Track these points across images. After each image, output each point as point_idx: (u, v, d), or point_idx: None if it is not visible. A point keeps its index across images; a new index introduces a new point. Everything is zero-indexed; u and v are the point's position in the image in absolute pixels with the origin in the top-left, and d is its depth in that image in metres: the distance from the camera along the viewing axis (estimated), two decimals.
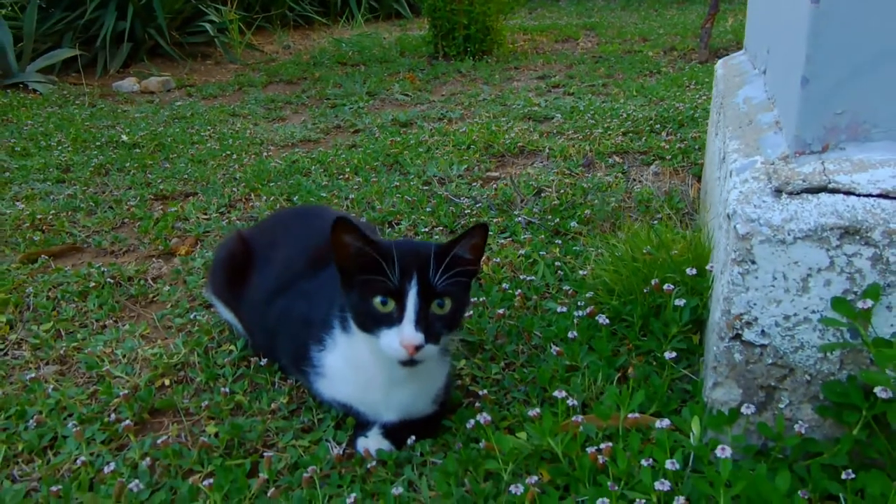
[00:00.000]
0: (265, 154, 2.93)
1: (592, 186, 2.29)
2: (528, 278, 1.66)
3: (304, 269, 1.33)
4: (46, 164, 2.84)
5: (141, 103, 4.25)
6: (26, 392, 1.31)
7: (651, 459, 0.98)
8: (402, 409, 1.16)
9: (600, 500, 0.92)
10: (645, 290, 1.36)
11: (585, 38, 6.28)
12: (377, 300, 1.04)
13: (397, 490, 1.02)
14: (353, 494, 1.01)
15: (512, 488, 0.97)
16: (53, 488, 1.03)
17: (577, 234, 1.97)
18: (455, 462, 1.07)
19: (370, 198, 2.28)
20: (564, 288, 1.63)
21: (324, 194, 2.33)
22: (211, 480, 1.04)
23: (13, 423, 1.23)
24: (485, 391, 1.25)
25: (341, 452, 1.13)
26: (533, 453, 1.08)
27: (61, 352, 1.47)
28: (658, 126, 2.91)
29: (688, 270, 1.28)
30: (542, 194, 2.26)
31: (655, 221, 2.04)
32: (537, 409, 1.10)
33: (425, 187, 2.39)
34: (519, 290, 1.60)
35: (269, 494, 1.04)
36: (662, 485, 0.91)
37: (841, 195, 0.91)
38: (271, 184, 2.49)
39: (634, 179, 2.42)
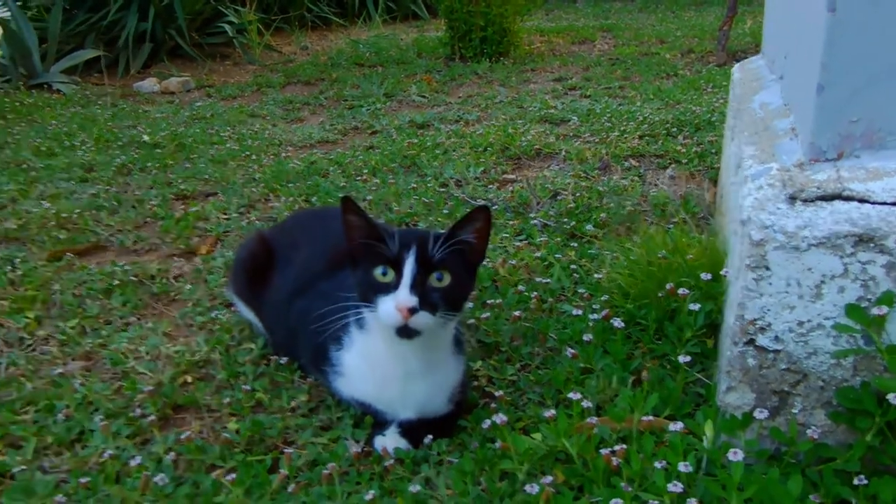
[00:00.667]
0: (284, 155, 2.96)
1: (608, 190, 2.31)
2: (544, 281, 1.68)
3: (324, 270, 1.36)
4: (71, 163, 2.89)
5: (161, 103, 4.30)
6: (54, 387, 1.35)
7: (664, 462, 0.99)
8: (419, 407, 1.19)
9: (614, 500, 0.94)
10: (660, 294, 1.37)
11: (602, 39, 6.28)
12: (377, 270, 1.09)
13: (415, 488, 1.04)
14: (372, 491, 1.04)
15: (527, 488, 0.99)
16: (82, 480, 1.06)
17: (592, 237, 1.98)
18: (471, 461, 1.10)
19: (388, 199, 2.31)
20: (580, 291, 1.65)
21: (342, 195, 2.35)
22: (233, 476, 1.07)
23: (42, 417, 1.26)
24: (500, 392, 1.27)
25: (359, 450, 1.15)
26: (548, 454, 1.10)
27: (87, 348, 1.51)
28: (675, 129, 2.91)
29: (703, 275, 1.29)
30: (558, 197, 2.28)
31: (671, 226, 2.05)
32: (552, 411, 1.12)
33: (442, 189, 2.42)
34: (535, 293, 1.62)
35: (289, 490, 1.06)
36: (675, 487, 0.93)
37: (855, 203, 0.92)
38: (290, 185, 2.52)
39: (650, 183, 2.42)
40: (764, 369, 1.00)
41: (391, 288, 1.07)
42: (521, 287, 1.63)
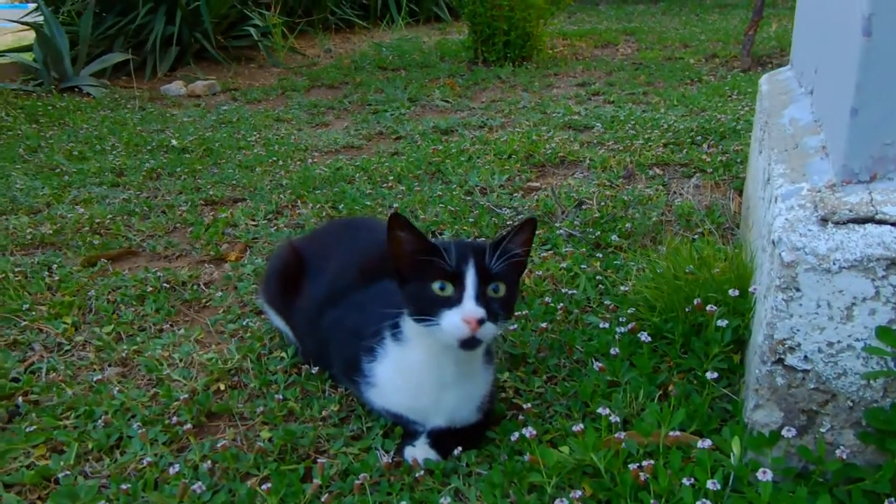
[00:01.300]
0: (310, 161, 3.00)
1: (633, 199, 2.31)
2: (570, 292, 1.70)
3: (355, 281, 1.38)
4: (102, 167, 2.95)
5: (188, 107, 4.37)
6: (93, 393, 1.39)
7: (692, 478, 1.00)
8: (449, 415, 1.21)
9: None
10: (687, 309, 1.38)
11: (625, 43, 6.26)
12: (436, 285, 1.09)
13: (445, 500, 1.06)
14: (403, 502, 1.06)
15: (556, 502, 1.01)
16: (123, 486, 1.10)
17: (617, 247, 1.99)
18: (500, 474, 1.11)
19: (413, 207, 2.33)
20: (606, 302, 1.66)
21: (368, 202, 2.39)
22: (267, 485, 1.09)
23: (82, 423, 1.30)
24: (528, 405, 1.29)
25: (390, 461, 1.18)
26: (576, 468, 1.12)
27: (123, 354, 1.55)
28: (699, 138, 2.91)
29: (730, 291, 1.30)
30: (583, 206, 2.29)
31: (696, 236, 2.06)
32: (580, 425, 1.13)
33: (467, 197, 2.44)
34: (561, 304, 1.63)
35: (322, 500, 1.09)
36: None
37: (888, 226, 0.92)
38: (317, 191, 2.55)
39: (675, 192, 2.43)
40: (792, 388, 1.01)
41: (454, 302, 1.08)
42: (547, 298, 1.65)
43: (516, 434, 1.17)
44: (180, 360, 1.52)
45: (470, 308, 1.07)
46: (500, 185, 2.56)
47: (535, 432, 1.13)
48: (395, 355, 1.21)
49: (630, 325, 1.45)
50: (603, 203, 2.30)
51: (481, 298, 1.08)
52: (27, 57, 5.14)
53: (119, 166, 2.98)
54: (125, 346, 1.57)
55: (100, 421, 1.29)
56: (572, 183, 2.56)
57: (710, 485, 0.97)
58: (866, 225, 0.94)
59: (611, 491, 1.07)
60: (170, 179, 2.82)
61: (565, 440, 1.17)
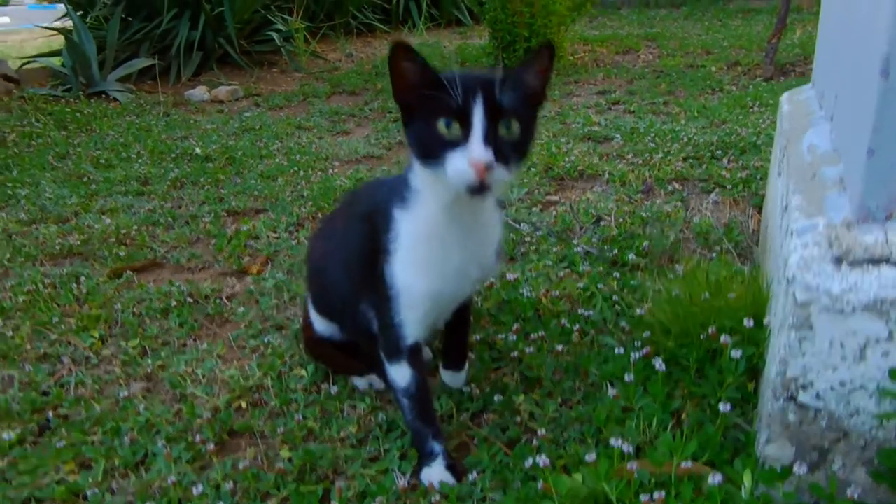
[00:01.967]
0: (331, 171, 3.04)
1: (651, 215, 2.32)
2: (586, 313, 1.71)
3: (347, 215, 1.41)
4: (127, 175, 3.01)
5: (211, 113, 4.43)
6: (120, 409, 1.43)
7: None
8: (479, 267, 1.18)
9: None
10: (702, 336, 1.39)
11: (647, 49, 6.23)
12: (440, 123, 0.99)
13: None
14: None
15: None
16: None
17: (635, 266, 2.00)
18: (514, 500, 1.14)
19: None
20: (621, 324, 1.67)
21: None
22: None
23: (109, 438, 1.34)
24: (542, 430, 1.30)
25: (406, 484, 1.20)
26: (588, 496, 1.13)
27: (148, 370, 1.59)
28: (719, 152, 2.90)
29: (745, 321, 1.30)
30: (601, 223, 2.30)
31: (714, 255, 2.06)
32: (593, 454, 1.15)
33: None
34: (577, 325, 1.65)
35: None
36: None
37: None
38: (337, 203, 2.58)
39: (694, 208, 2.43)
40: (805, 425, 1.02)
41: (459, 142, 0.98)
42: (564, 321, 1.66)
43: (530, 460, 1.19)
44: (203, 377, 1.56)
45: (477, 150, 0.96)
46: (520, 198, 2.57)
47: (548, 461, 1.15)
48: (409, 226, 1.13)
49: (645, 350, 1.46)
50: (621, 219, 2.30)
51: (490, 138, 0.97)
52: (56, 62, 5.24)
53: (144, 174, 3.04)
54: (150, 361, 1.62)
55: (126, 438, 1.33)
56: (591, 197, 2.57)
57: None
58: (881, 266, 0.95)
59: None
60: (193, 189, 2.87)
61: (578, 466, 1.19)
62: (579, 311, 1.72)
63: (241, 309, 1.86)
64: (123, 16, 5.42)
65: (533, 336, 1.59)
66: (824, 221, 1.08)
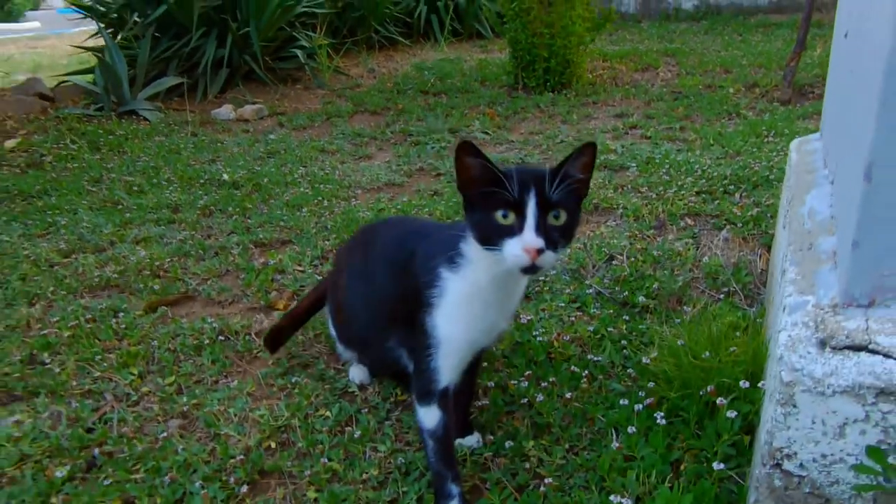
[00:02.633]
0: (353, 201, 3.15)
1: (663, 254, 2.40)
2: (596, 358, 1.80)
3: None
4: (159, 203, 3.15)
5: (237, 133, 4.57)
6: (159, 450, 1.55)
7: None
8: (506, 322, 1.40)
9: None
10: (701, 392, 1.48)
11: (666, 66, 6.28)
12: (499, 213, 1.16)
13: None
14: None
15: None
16: None
17: (644, 307, 2.09)
18: None
19: None
20: (628, 370, 1.76)
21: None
22: None
23: (151, 477, 1.46)
24: (550, 479, 1.40)
25: None
26: None
27: (184, 408, 1.70)
28: (732, 187, 2.97)
29: (741, 383, 1.39)
30: (613, 262, 2.39)
31: (721, 296, 2.14)
32: None
33: None
34: (586, 370, 1.74)
35: None
36: None
37: (880, 357, 1.02)
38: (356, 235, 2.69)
39: (704, 245, 2.50)
40: (789, 490, 1.11)
41: (515, 231, 1.15)
42: (574, 367, 1.76)
43: None
44: (235, 416, 1.67)
45: (530, 238, 1.14)
46: None
47: None
48: (457, 286, 1.30)
49: (649, 401, 1.55)
50: (633, 258, 2.39)
51: (541, 228, 1.15)
52: (87, 80, 5.42)
53: (175, 202, 3.17)
54: (185, 399, 1.73)
55: (166, 477, 1.45)
56: (605, 232, 2.65)
57: None
58: (860, 353, 1.03)
59: None
60: (222, 217, 3.00)
61: None
62: (589, 357, 1.82)
63: None
64: (154, 35, 5.59)
65: (544, 383, 1.69)
66: (814, 301, 1.17)
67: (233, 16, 5.69)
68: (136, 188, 3.38)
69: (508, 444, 1.52)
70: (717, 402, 1.39)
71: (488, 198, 1.17)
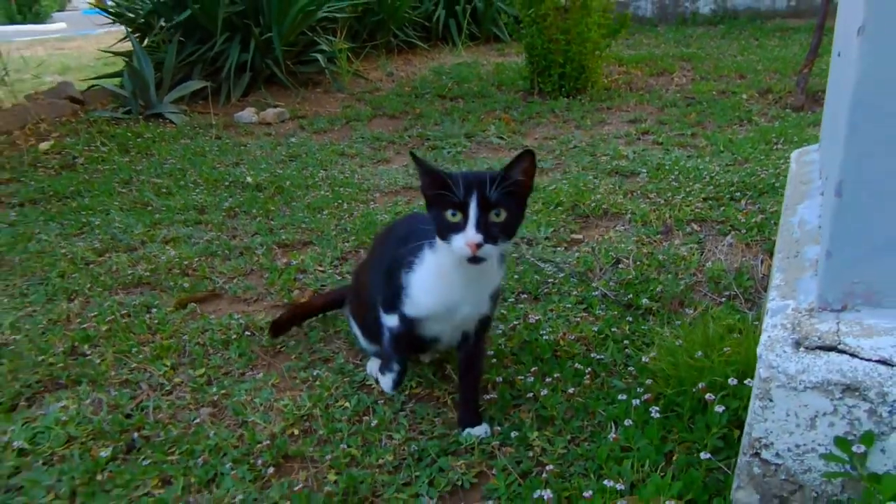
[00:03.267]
0: (372, 204, 3.28)
1: (668, 258, 2.50)
2: (599, 357, 1.91)
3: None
4: (186, 204, 3.30)
5: (259, 136, 4.73)
6: (192, 434, 1.68)
7: None
8: (473, 304, 1.59)
9: None
10: (694, 389, 1.58)
11: (681, 71, 6.36)
12: (448, 213, 1.40)
13: None
14: None
15: None
16: None
17: (648, 310, 2.19)
18: None
19: None
20: (629, 368, 1.87)
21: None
22: None
23: (185, 458, 1.59)
24: (551, 466, 1.51)
25: None
26: None
27: (214, 397, 1.84)
28: (738, 193, 3.06)
29: (730, 380, 1.50)
30: (620, 265, 2.49)
31: (723, 299, 2.24)
32: (590, 491, 1.36)
33: (513, 249, 2.66)
34: (590, 368, 1.85)
35: None
36: None
37: (847, 356, 1.12)
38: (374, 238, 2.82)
39: (709, 250, 2.60)
40: (767, 477, 1.21)
41: (461, 227, 1.38)
42: (578, 364, 1.87)
43: (538, 492, 1.40)
44: (261, 405, 1.80)
45: (471, 234, 1.37)
46: (546, 236, 2.78)
47: (551, 495, 1.36)
48: (431, 261, 1.55)
49: (646, 396, 1.66)
50: (639, 262, 2.49)
51: (482, 225, 1.37)
52: (115, 84, 5.61)
53: (201, 203, 3.32)
54: (215, 389, 1.87)
55: (199, 459, 1.58)
56: (612, 236, 2.76)
57: None
58: (830, 353, 1.14)
59: None
60: (246, 218, 3.14)
61: (579, 501, 1.40)
62: (592, 355, 1.93)
63: (292, 342, 2.11)
64: (181, 39, 5.76)
65: (549, 379, 1.80)
66: (794, 304, 1.28)
67: (255, 21, 5.85)
68: (164, 190, 3.54)
69: (514, 434, 1.64)
70: (707, 396, 1.50)
71: (441, 199, 1.41)
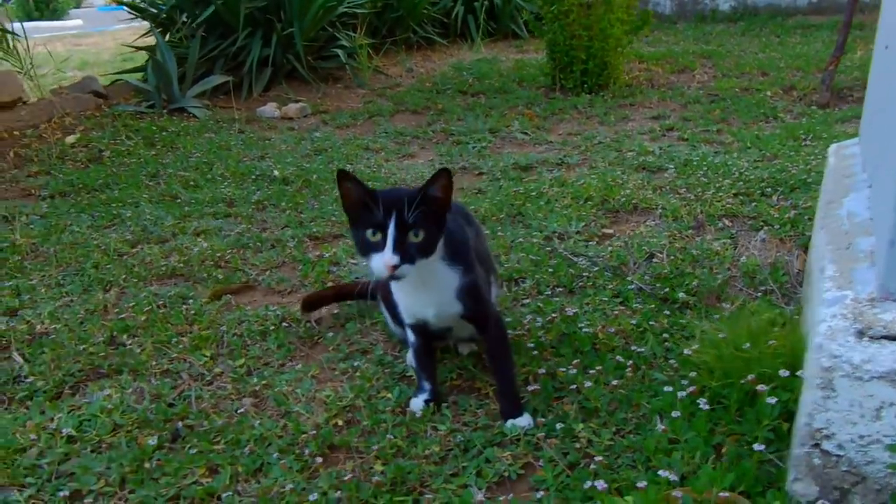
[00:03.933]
0: None
1: (701, 253, 2.48)
2: (639, 350, 1.90)
3: None
4: (214, 197, 3.32)
5: (283, 130, 4.74)
6: (236, 423, 1.69)
7: None
8: (435, 308, 1.60)
9: None
10: (742, 381, 1.57)
11: (702, 68, 6.32)
12: (368, 232, 1.41)
13: None
14: None
15: None
16: None
17: (684, 304, 2.18)
18: None
19: (497, 252, 2.57)
20: (670, 361, 1.86)
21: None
22: None
23: (231, 448, 1.60)
24: (599, 457, 1.51)
25: (483, 497, 1.42)
26: None
27: (255, 387, 1.84)
28: (769, 189, 3.04)
29: (781, 372, 1.49)
30: (654, 259, 2.48)
31: (759, 294, 2.22)
32: (644, 482, 1.35)
33: (545, 243, 2.66)
34: (630, 361, 1.85)
35: None
36: None
37: None
38: None
39: (742, 246, 2.59)
40: (827, 469, 1.20)
41: (380, 247, 1.39)
42: (619, 357, 1.86)
43: (589, 483, 1.40)
44: (303, 396, 1.80)
45: (388, 256, 1.38)
46: (577, 231, 2.77)
47: (605, 485, 1.36)
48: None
49: (691, 389, 1.65)
50: (672, 257, 2.48)
51: (399, 246, 1.38)
52: (138, 78, 5.64)
53: (229, 196, 3.34)
54: (256, 380, 1.87)
55: (246, 448, 1.59)
56: (644, 231, 2.74)
57: None
58: (895, 343, 1.13)
59: None
60: (275, 211, 3.15)
61: (630, 491, 1.39)
62: (632, 348, 1.92)
63: (330, 334, 2.11)
64: (203, 34, 5.78)
65: (591, 371, 1.80)
66: (852, 295, 1.27)
67: (277, 16, 5.86)
68: (191, 183, 3.55)
69: (559, 426, 1.63)
70: (758, 389, 1.49)
71: (362, 218, 1.42)
